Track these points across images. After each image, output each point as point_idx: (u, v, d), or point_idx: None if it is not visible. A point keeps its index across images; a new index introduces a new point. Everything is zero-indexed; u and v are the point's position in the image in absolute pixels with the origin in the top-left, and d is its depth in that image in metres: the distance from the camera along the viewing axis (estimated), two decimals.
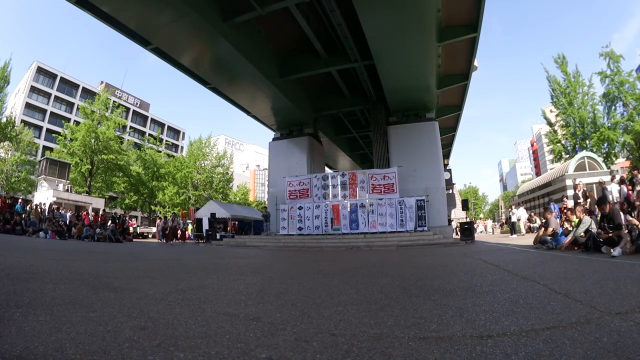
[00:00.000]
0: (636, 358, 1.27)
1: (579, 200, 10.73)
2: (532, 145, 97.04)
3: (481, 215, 62.33)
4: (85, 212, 18.32)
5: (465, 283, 3.24)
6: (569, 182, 20.60)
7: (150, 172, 33.10)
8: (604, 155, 24.49)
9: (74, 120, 39.91)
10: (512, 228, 17.54)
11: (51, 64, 53.07)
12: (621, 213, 6.00)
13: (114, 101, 37.07)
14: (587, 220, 6.61)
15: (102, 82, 54.03)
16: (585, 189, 11.73)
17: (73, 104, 48.66)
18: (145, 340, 1.48)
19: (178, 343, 1.47)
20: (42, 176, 20.52)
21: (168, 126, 64.20)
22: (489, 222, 37.13)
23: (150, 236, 22.07)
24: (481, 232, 28.93)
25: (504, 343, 1.46)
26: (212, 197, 31.50)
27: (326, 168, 25.48)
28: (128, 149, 34.45)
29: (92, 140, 25.62)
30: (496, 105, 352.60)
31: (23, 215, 14.19)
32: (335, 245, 12.33)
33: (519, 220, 17.21)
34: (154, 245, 13.40)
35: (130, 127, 54.05)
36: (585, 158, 23.32)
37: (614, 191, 9.80)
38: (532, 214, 20.27)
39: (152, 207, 34.01)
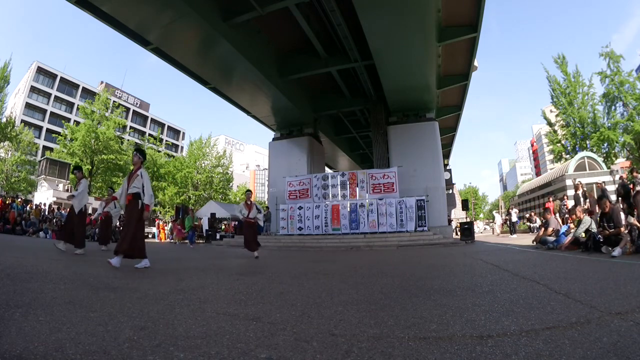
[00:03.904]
0: (636, 358, 1.27)
1: (579, 202, 10.70)
2: (532, 145, 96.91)
3: (481, 215, 62.24)
4: None
5: (465, 283, 3.24)
6: (569, 182, 20.55)
7: (150, 172, 33.05)
8: (604, 155, 24.43)
9: (74, 120, 39.86)
10: (512, 228, 17.56)
11: (51, 64, 53.17)
12: (621, 213, 6.00)
13: (113, 101, 36.96)
14: (587, 220, 6.61)
15: (102, 82, 53.90)
16: (585, 189, 11.71)
17: (73, 104, 48.55)
18: (145, 340, 1.48)
19: (178, 343, 1.47)
20: (42, 176, 20.57)
21: (168, 126, 64.08)
22: (480, 224, 37.01)
23: (150, 236, 22.06)
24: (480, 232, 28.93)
25: (504, 343, 1.46)
26: (212, 197, 31.48)
27: (326, 168, 25.47)
28: (128, 149, 34.43)
29: (92, 141, 25.58)
30: (496, 105, 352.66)
31: (23, 215, 14.20)
32: (335, 245, 12.33)
33: (494, 222, 17.26)
34: (153, 246, 13.39)
35: (130, 127, 53.88)
36: (585, 158, 23.26)
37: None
38: (532, 213, 20.31)
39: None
